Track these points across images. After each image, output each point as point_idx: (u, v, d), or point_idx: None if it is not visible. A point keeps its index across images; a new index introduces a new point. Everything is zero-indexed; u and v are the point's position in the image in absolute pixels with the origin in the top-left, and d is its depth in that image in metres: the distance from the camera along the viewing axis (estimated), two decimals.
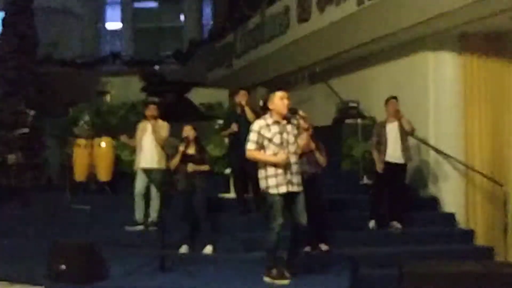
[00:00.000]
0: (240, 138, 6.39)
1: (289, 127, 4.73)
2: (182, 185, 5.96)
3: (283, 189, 4.60)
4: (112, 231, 6.38)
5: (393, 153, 6.49)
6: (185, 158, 5.89)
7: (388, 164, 6.51)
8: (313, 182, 5.89)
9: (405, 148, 6.52)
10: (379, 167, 6.55)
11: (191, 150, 5.93)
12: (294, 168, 4.66)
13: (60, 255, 4.75)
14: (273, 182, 4.60)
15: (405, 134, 6.52)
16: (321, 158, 5.92)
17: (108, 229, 6.44)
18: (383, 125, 6.69)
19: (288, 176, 4.61)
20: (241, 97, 6.62)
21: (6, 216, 7.18)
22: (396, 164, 6.50)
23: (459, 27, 7.06)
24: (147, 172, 6.45)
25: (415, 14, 6.90)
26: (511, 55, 7.38)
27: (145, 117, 6.67)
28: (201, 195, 5.87)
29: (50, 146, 9.41)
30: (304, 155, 5.89)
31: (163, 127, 6.55)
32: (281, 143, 4.63)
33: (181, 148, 5.84)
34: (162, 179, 5.68)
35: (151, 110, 6.56)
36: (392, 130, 6.54)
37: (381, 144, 6.57)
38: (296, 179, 4.66)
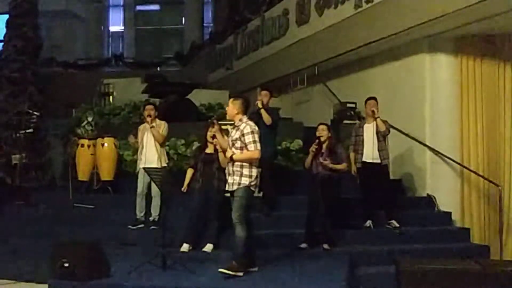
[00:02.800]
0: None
1: (233, 131, 5.09)
2: (198, 184, 6.00)
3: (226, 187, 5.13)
4: (114, 230, 6.41)
5: (369, 153, 6.53)
6: (205, 158, 5.99)
7: (365, 164, 6.57)
8: (327, 184, 6.06)
9: (382, 148, 6.54)
10: (353, 169, 6.65)
11: (210, 150, 6.05)
12: (230, 169, 5.03)
13: (63, 253, 4.78)
14: None
15: (381, 134, 6.54)
16: (333, 165, 6.10)
17: (110, 228, 6.48)
18: (361, 125, 6.76)
19: (227, 176, 5.08)
20: (263, 97, 6.59)
21: (10, 215, 7.24)
22: (373, 164, 6.53)
23: (454, 30, 7.14)
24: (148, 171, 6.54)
25: (411, 18, 7.00)
26: (506, 57, 7.48)
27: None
28: (220, 195, 5.87)
29: (54, 146, 9.52)
30: (315, 158, 6.08)
31: (161, 125, 6.67)
32: (229, 145, 5.10)
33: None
34: (163, 178, 5.75)
35: (148, 110, 6.68)
36: (368, 130, 6.59)
37: (358, 144, 6.65)
38: (231, 180, 5.01)
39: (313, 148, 6.16)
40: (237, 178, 4.96)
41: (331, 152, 6.14)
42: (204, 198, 5.96)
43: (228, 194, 5.06)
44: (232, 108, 5.09)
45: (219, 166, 5.82)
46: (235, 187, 4.98)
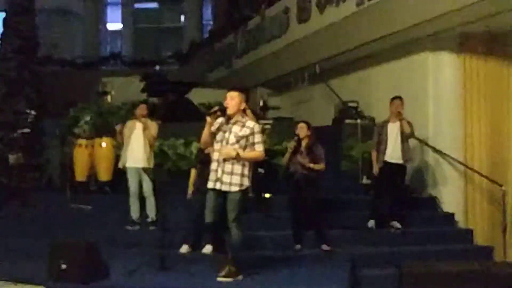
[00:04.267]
0: None
1: (235, 127, 4.75)
2: (197, 184, 5.94)
3: (210, 185, 4.76)
4: (112, 231, 6.40)
5: (393, 153, 6.51)
6: (204, 158, 5.90)
7: (387, 164, 6.53)
8: (306, 183, 5.99)
9: (405, 149, 6.53)
10: (375, 170, 6.59)
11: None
12: (228, 167, 4.68)
13: (60, 255, 4.75)
14: (210, 177, 4.79)
15: (405, 136, 6.53)
16: (312, 164, 6.00)
17: (108, 229, 6.46)
18: (384, 124, 6.71)
19: (219, 174, 4.71)
20: None
21: (7, 216, 7.20)
22: (395, 164, 6.51)
23: (458, 28, 7.10)
24: (138, 171, 6.47)
25: (414, 15, 6.94)
26: (510, 55, 7.42)
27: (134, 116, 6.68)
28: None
29: (51, 146, 9.43)
30: (293, 157, 6.01)
31: (153, 126, 6.59)
32: (221, 141, 4.74)
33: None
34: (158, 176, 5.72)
35: (142, 109, 6.61)
36: (393, 130, 6.56)
37: (381, 144, 6.60)
38: (229, 179, 4.68)
39: (291, 145, 6.09)
40: (237, 177, 4.68)
41: (310, 151, 6.06)
42: (203, 199, 5.87)
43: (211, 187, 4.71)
44: (239, 101, 4.75)
45: None
46: (235, 188, 4.69)
